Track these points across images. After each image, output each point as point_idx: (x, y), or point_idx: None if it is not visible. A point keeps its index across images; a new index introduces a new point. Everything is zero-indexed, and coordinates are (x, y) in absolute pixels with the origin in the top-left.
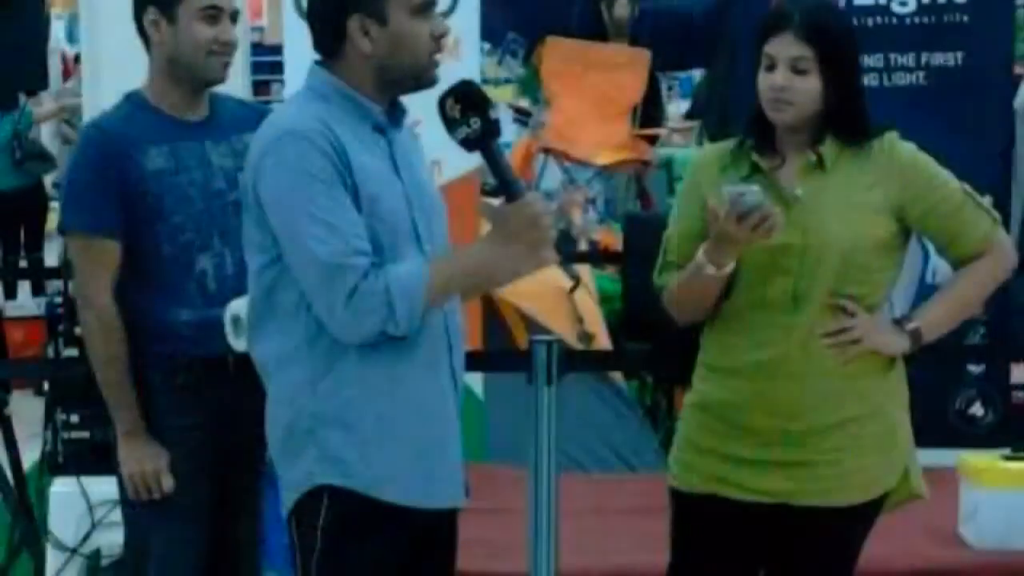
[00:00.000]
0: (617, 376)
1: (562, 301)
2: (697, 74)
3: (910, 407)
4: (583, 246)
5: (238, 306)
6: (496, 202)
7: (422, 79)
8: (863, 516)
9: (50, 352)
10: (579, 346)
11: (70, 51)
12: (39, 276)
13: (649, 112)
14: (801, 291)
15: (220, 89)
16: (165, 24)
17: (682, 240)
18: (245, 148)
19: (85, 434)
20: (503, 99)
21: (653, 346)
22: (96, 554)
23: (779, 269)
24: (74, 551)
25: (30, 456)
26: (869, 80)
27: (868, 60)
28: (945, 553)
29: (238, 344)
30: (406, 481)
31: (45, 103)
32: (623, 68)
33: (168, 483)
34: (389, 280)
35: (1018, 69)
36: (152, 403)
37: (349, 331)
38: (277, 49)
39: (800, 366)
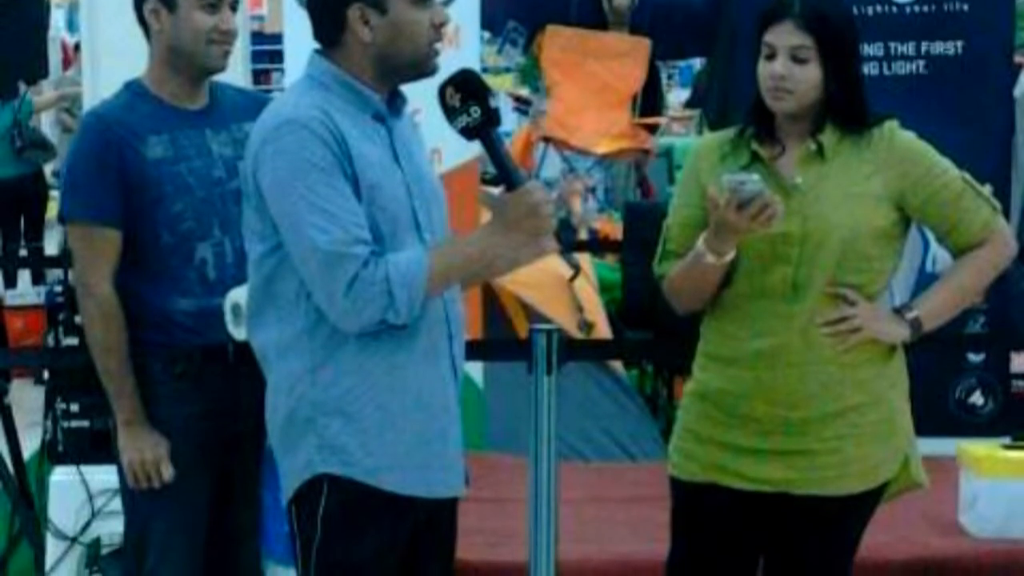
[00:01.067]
0: (617, 365)
1: (562, 290)
2: (697, 63)
3: (910, 396)
4: (583, 235)
5: (238, 295)
6: (496, 191)
7: (422, 68)
8: (863, 505)
9: (50, 341)
10: (579, 335)
11: (70, 40)
12: (39, 265)
13: (649, 101)
14: (801, 280)
15: (220, 78)
16: (165, 13)
17: (682, 229)
18: (245, 137)
19: (85, 423)
20: (503, 88)
21: (653, 335)
22: (96, 543)
23: (779, 258)
24: (74, 540)
25: (30, 445)
26: (869, 69)
27: (868, 49)
28: (945, 542)
29: (238, 333)
30: (406, 470)
31: (45, 92)
32: (623, 57)
33: (168, 472)
34: (389, 269)
35: (1018, 58)
36: (152, 392)
37: (349, 320)
38: (277, 38)
39: (800, 355)
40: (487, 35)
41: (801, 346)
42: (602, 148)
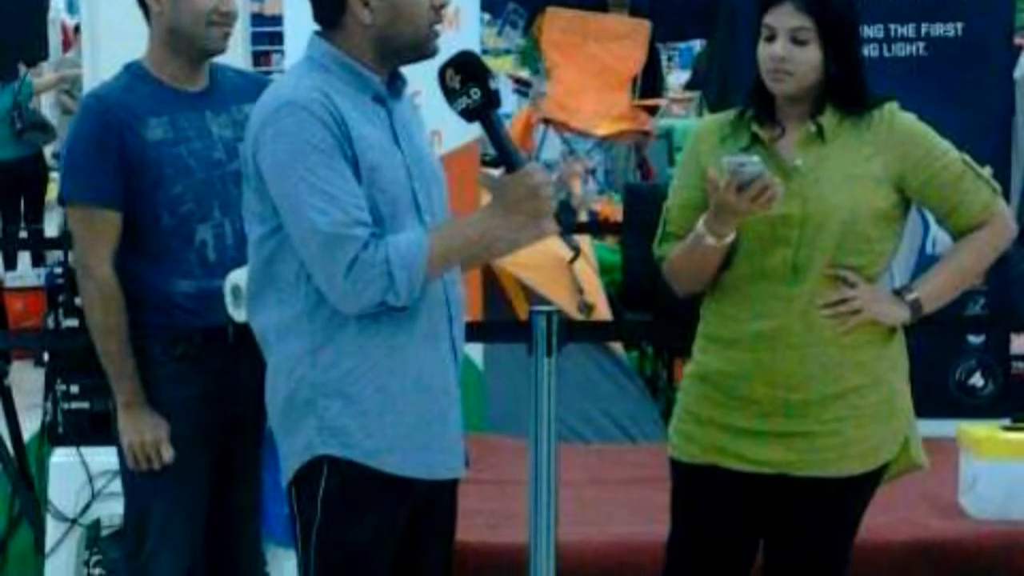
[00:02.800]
0: (617, 347)
1: (562, 272)
2: (697, 45)
3: (910, 377)
4: (583, 217)
5: (238, 276)
6: (496, 173)
7: (422, 49)
8: (863, 486)
9: (50, 323)
10: (579, 317)
11: (70, 21)
12: (39, 247)
13: (649, 83)
14: (801, 261)
15: (220, 59)
16: None
17: (682, 211)
18: (245, 118)
19: (85, 404)
20: (503, 70)
21: (653, 317)
22: (96, 524)
23: (779, 239)
24: (74, 521)
25: (30, 427)
26: (869, 51)
27: (868, 30)
28: (945, 523)
29: (238, 314)
30: (406, 452)
31: (45, 74)
32: (623, 39)
33: (168, 453)
34: (389, 250)
35: (1018, 39)
36: (152, 374)
37: (349, 302)
38: (277, 20)
39: (800, 337)
40: (487, 17)
41: (801, 328)
42: (602, 130)
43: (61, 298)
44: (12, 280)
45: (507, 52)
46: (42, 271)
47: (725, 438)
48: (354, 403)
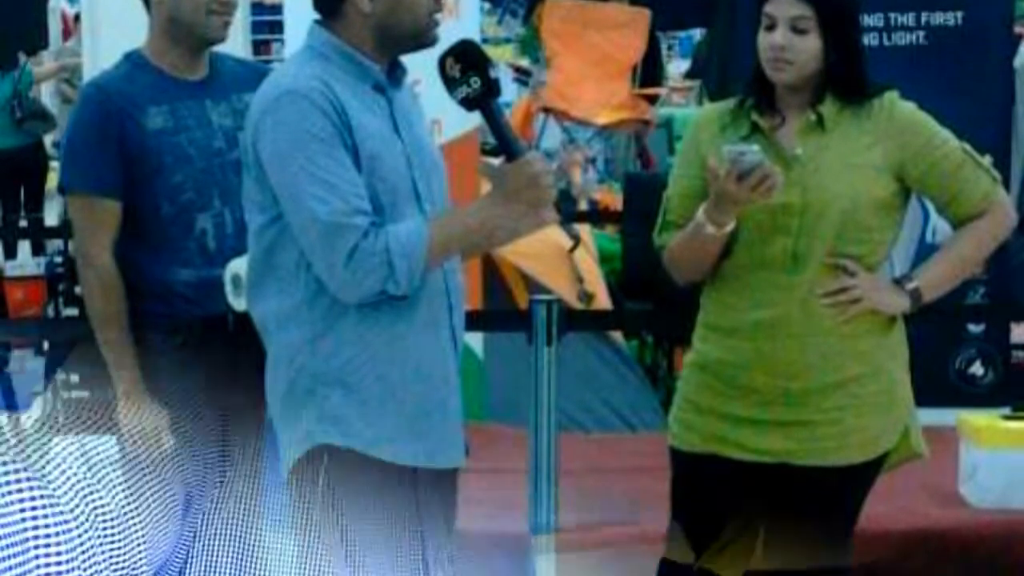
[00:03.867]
0: (617, 336)
1: (562, 261)
2: (697, 34)
3: (910, 366)
4: (583, 205)
5: (238, 265)
6: (496, 161)
7: (422, 38)
8: (863, 475)
9: (50, 312)
10: (579, 306)
11: (70, 10)
12: (39, 236)
13: (649, 71)
14: (801, 250)
15: (220, 48)
16: None
17: (682, 200)
18: (245, 107)
19: (85, 393)
20: (503, 59)
21: (653, 306)
22: None
23: (779, 228)
24: None
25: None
26: (869, 39)
27: (868, 19)
28: (945, 512)
29: (238, 303)
30: (406, 441)
31: (45, 63)
32: (623, 27)
33: (168, 443)
34: (389, 239)
35: (1018, 28)
36: (152, 362)
37: (349, 291)
38: (277, 8)
39: (800, 326)
40: (487, 6)
41: (801, 317)
42: (602, 119)
43: (61, 287)
44: (12, 269)
45: (507, 41)
46: (42, 260)
47: (725, 427)
48: (354, 392)
